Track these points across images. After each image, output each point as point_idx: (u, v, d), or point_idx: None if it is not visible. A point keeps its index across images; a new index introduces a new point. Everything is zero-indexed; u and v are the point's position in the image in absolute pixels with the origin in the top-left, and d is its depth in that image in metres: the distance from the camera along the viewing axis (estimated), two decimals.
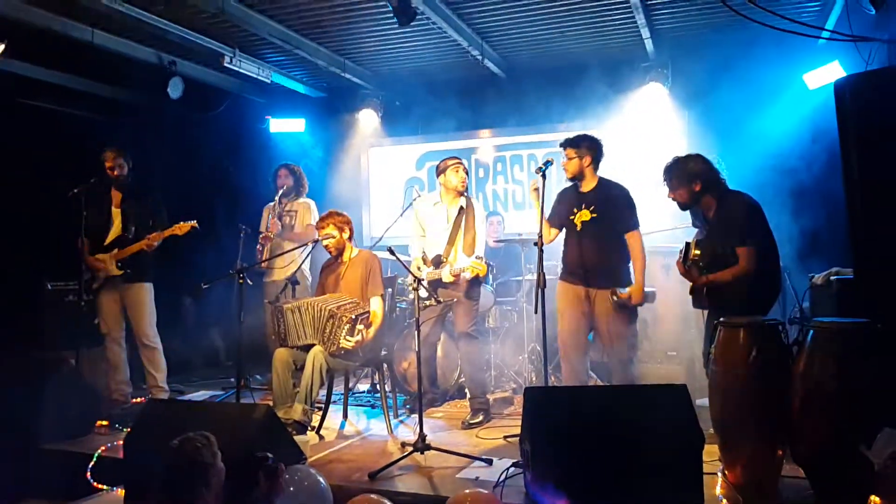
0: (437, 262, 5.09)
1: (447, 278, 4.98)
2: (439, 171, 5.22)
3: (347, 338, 4.50)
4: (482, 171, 7.88)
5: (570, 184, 4.79)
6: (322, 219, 5.00)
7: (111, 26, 5.91)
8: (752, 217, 3.88)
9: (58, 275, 6.13)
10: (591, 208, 4.61)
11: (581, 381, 4.60)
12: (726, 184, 4.07)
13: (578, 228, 4.67)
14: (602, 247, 4.54)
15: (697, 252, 3.97)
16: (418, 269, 5.11)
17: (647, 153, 6.49)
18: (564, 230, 4.78)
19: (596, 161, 4.67)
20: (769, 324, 3.53)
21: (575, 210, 4.69)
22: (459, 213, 5.17)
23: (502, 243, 6.64)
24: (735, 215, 3.89)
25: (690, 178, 4.01)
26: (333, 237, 4.91)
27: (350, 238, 5.02)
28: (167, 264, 5.62)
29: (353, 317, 4.52)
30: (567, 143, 4.68)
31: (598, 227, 4.57)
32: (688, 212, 4.29)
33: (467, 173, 5.25)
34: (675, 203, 4.17)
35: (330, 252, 5.00)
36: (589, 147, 4.64)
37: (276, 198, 6.14)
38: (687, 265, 3.98)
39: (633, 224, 4.54)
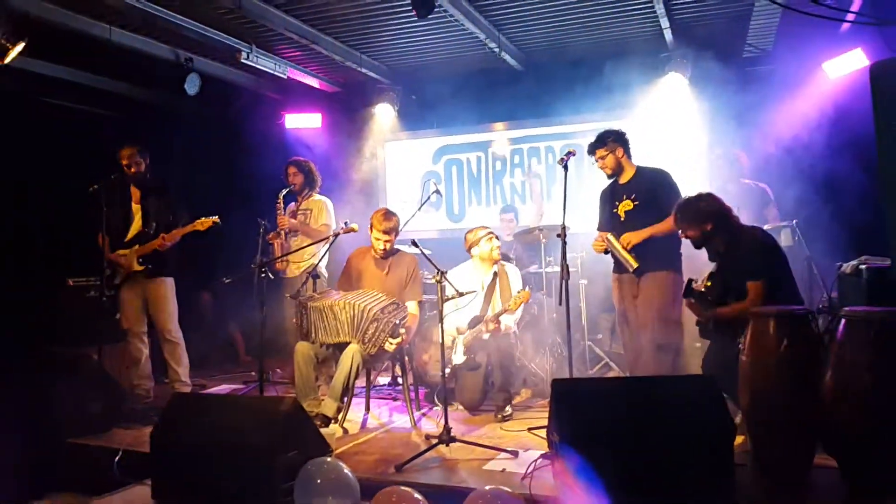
0: (475, 323, 5.11)
1: (488, 329, 5.01)
2: (470, 244, 5.30)
3: (391, 341, 4.52)
4: (499, 163, 7.84)
5: (607, 183, 4.86)
6: (385, 220, 4.95)
7: (129, 23, 5.91)
8: (764, 253, 3.93)
9: (79, 271, 6.15)
10: (633, 197, 4.66)
11: (639, 369, 4.60)
12: (738, 220, 4.13)
13: (623, 219, 4.72)
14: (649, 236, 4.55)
15: (709, 283, 4.07)
16: (453, 338, 5.12)
17: (667, 144, 6.44)
18: (613, 225, 4.79)
19: (628, 150, 4.74)
20: (799, 314, 3.48)
21: (616, 202, 4.76)
22: (493, 278, 5.25)
23: (517, 238, 6.60)
24: (747, 251, 3.95)
25: (702, 218, 4.07)
26: (392, 242, 4.98)
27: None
28: (186, 260, 5.61)
29: (397, 321, 4.55)
30: (595, 146, 4.76)
31: (640, 214, 4.61)
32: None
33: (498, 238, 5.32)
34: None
35: (379, 254, 5.01)
36: (616, 139, 4.71)
37: (281, 196, 6.07)
38: (691, 298, 4.06)
39: (673, 205, 4.47)
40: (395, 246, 5.16)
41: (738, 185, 5.93)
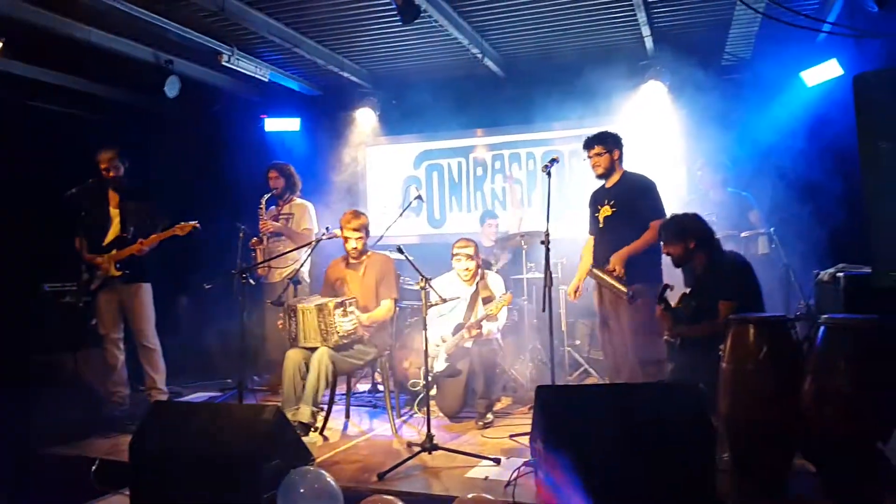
0: (458, 330, 5.12)
1: (471, 334, 5.00)
2: (452, 255, 5.32)
3: (342, 320, 4.49)
4: (480, 169, 7.85)
5: (598, 185, 4.87)
6: (353, 219, 4.96)
7: (109, 25, 5.83)
8: (740, 276, 4.02)
9: (55, 276, 6.06)
10: (612, 203, 4.67)
11: (622, 378, 4.61)
12: (720, 244, 4.22)
13: (601, 225, 4.74)
14: (622, 241, 4.55)
15: (681, 304, 4.16)
16: (436, 346, 5.10)
17: (647, 152, 6.48)
18: (594, 229, 4.85)
19: (622, 154, 4.77)
20: (779, 320, 3.53)
21: (599, 207, 4.77)
22: (476, 286, 5.27)
23: (498, 244, 6.61)
24: (725, 273, 4.03)
25: (687, 236, 4.15)
26: (363, 240, 4.95)
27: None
28: (164, 265, 5.54)
29: (340, 301, 4.53)
30: (594, 141, 4.75)
31: (617, 221, 4.63)
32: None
33: (476, 255, 5.29)
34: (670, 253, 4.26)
35: (352, 255, 4.99)
36: (615, 141, 4.75)
37: (264, 200, 6.04)
38: (663, 306, 4.10)
39: (655, 214, 4.55)
40: (377, 251, 5.15)
41: (721, 194, 6.00)
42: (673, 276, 4.44)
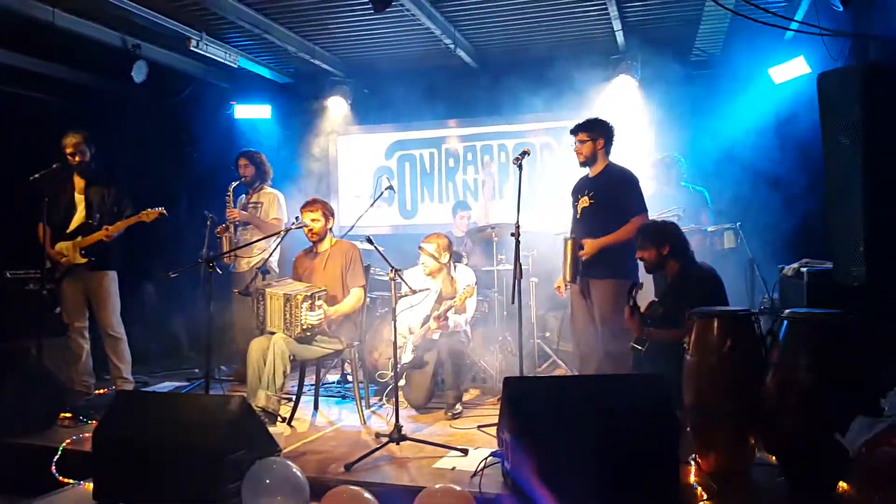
0: (426, 321, 5.11)
1: (439, 325, 4.99)
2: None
3: (309, 314, 4.46)
4: (452, 160, 7.84)
5: (580, 175, 4.81)
6: (310, 203, 4.92)
7: (74, 7, 5.71)
8: (710, 288, 4.05)
9: (18, 263, 5.94)
10: (591, 195, 4.61)
11: (590, 370, 4.62)
12: (693, 254, 4.25)
13: (579, 216, 4.69)
14: (595, 234, 4.53)
15: (649, 310, 4.21)
16: (404, 338, 5.08)
17: (616, 146, 6.52)
18: (573, 220, 4.79)
19: (608, 145, 4.68)
20: (743, 314, 3.58)
21: (579, 197, 4.71)
22: (446, 278, 5.25)
23: (469, 236, 6.62)
24: (695, 283, 4.06)
25: (662, 240, 4.17)
26: (321, 221, 4.86)
27: (330, 229, 4.97)
28: (129, 252, 5.46)
29: (309, 294, 4.49)
30: (580, 127, 4.67)
31: (594, 213, 4.58)
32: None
33: (446, 250, 5.22)
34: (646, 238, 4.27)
35: (311, 238, 4.92)
36: (603, 130, 4.65)
37: (231, 188, 5.97)
38: (630, 305, 4.11)
39: (635, 209, 4.50)
40: (343, 239, 5.12)
41: (675, 189, 6.05)
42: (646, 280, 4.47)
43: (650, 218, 4.60)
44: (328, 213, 4.92)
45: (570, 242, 4.59)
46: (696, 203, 6.00)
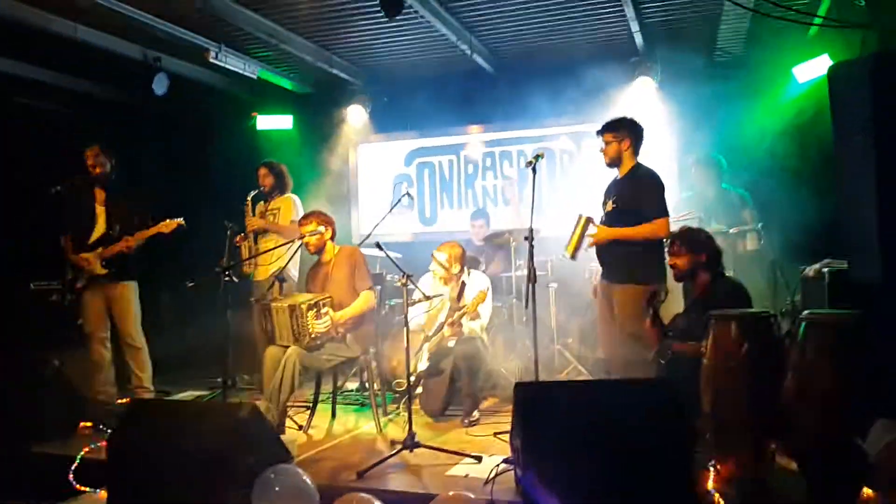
0: (440, 329, 5.10)
1: (453, 332, 4.99)
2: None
3: (316, 322, 4.45)
4: (471, 167, 7.83)
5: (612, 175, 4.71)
6: (305, 216, 4.96)
7: (95, 21, 5.82)
8: (737, 303, 3.90)
9: (41, 274, 6.05)
10: (614, 199, 4.53)
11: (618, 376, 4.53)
12: (724, 268, 4.15)
13: (603, 220, 4.60)
14: (624, 244, 4.42)
15: (672, 323, 4.10)
16: (419, 347, 5.09)
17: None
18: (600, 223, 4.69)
19: (636, 145, 4.55)
20: (761, 316, 3.51)
21: (605, 200, 4.63)
22: (461, 285, 5.25)
23: (487, 242, 6.59)
24: (722, 297, 3.91)
25: (700, 249, 4.06)
26: (318, 233, 4.86)
27: (332, 238, 4.97)
28: (149, 262, 5.53)
29: (313, 302, 4.49)
30: (606, 128, 4.56)
31: (616, 217, 4.48)
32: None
33: (457, 260, 5.23)
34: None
35: (310, 250, 4.96)
36: (629, 130, 4.53)
37: (249, 198, 6.03)
38: (652, 314, 4.04)
39: (656, 212, 4.36)
40: (347, 245, 5.15)
41: (716, 191, 5.96)
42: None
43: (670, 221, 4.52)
44: (324, 223, 4.92)
45: (583, 219, 4.50)
46: (736, 203, 5.86)
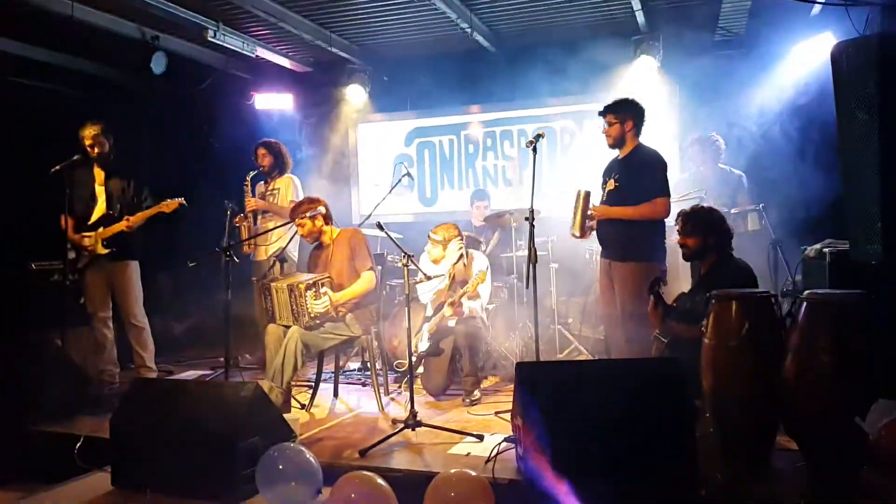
0: (438, 308, 5.10)
1: (454, 311, 5.00)
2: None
3: (314, 302, 4.47)
4: (472, 146, 7.81)
5: (612, 155, 4.73)
6: (292, 210, 4.94)
7: (92, 0, 5.78)
8: (741, 283, 3.86)
9: (42, 254, 6.05)
10: (616, 177, 4.55)
11: (617, 355, 4.58)
12: (732, 250, 4.10)
13: (604, 199, 4.62)
14: (624, 222, 4.45)
15: (675, 304, 4.07)
16: (420, 326, 5.14)
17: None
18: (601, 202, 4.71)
19: (638, 126, 4.57)
20: (762, 296, 3.51)
21: (606, 179, 4.65)
22: (460, 263, 5.25)
23: (487, 222, 6.59)
24: (726, 280, 3.86)
25: (709, 229, 4.02)
26: (307, 224, 4.85)
27: (327, 222, 4.94)
28: (150, 242, 5.53)
29: (311, 282, 4.50)
30: (608, 109, 4.57)
31: (618, 196, 4.50)
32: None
33: (453, 240, 5.21)
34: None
35: (308, 242, 4.98)
36: (632, 111, 4.55)
37: (249, 178, 6.02)
38: (654, 300, 4.02)
39: (655, 191, 4.39)
40: (347, 227, 5.14)
41: (713, 170, 5.95)
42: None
43: (672, 201, 4.52)
44: (312, 214, 4.86)
45: (582, 193, 4.54)
46: (734, 184, 5.87)
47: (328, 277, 4.65)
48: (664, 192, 4.43)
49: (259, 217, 6.01)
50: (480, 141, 7.77)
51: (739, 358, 3.41)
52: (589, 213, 4.54)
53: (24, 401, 4.56)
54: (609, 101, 4.64)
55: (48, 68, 7.03)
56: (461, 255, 5.25)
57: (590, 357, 5.92)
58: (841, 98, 2.98)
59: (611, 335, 4.73)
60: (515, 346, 5.82)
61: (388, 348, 5.45)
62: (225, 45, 6.47)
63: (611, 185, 4.57)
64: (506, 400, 4.82)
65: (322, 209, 4.89)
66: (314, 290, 4.52)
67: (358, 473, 3.17)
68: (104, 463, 3.79)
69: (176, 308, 7.19)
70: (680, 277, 5.06)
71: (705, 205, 4.33)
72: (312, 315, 4.48)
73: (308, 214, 4.83)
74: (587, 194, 4.54)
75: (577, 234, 4.58)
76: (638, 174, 4.47)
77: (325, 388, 5.13)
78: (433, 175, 7.97)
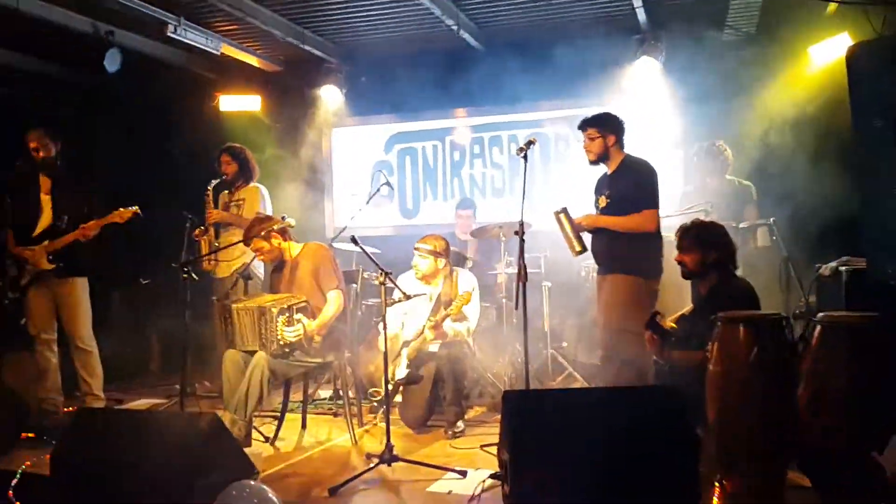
0: (420, 332, 5.11)
1: (436, 334, 4.99)
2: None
3: (286, 330, 4.43)
4: (458, 153, 7.84)
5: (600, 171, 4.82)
6: (246, 231, 4.92)
7: None
8: (743, 305, 3.85)
9: None
10: (607, 193, 4.65)
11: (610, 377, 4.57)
12: (735, 268, 4.10)
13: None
14: (615, 235, 4.53)
15: (674, 325, 4.05)
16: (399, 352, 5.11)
17: (639, 134, 6.47)
18: None
19: (620, 140, 4.69)
20: (772, 318, 3.52)
21: (598, 196, 4.76)
22: (444, 283, 5.25)
23: (474, 236, 6.59)
24: (726, 302, 3.82)
25: (708, 247, 4.01)
26: (265, 246, 4.82)
27: (285, 238, 4.92)
28: (101, 256, 5.48)
29: (286, 307, 4.47)
30: (589, 122, 4.68)
31: (611, 213, 4.60)
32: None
33: (439, 254, 5.22)
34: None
35: (270, 264, 4.98)
36: (614, 124, 4.67)
37: (210, 187, 6.00)
38: (654, 333, 4.00)
39: (643, 203, 4.49)
40: (312, 242, 5.13)
41: (719, 181, 5.99)
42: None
43: (675, 214, 4.56)
44: (267, 234, 4.83)
45: (561, 214, 4.61)
46: (741, 196, 5.92)
47: (304, 302, 4.61)
48: (652, 203, 4.54)
49: (221, 230, 5.98)
50: (467, 147, 7.80)
51: (747, 386, 3.40)
52: (578, 224, 4.60)
53: None
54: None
55: None
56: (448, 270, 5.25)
57: (585, 385, 5.91)
58: (856, 103, 3.01)
59: (604, 353, 4.74)
60: (504, 373, 5.80)
61: (362, 375, 5.42)
62: (186, 41, 6.46)
63: (602, 202, 4.68)
64: (492, 432, 4.79)
65: (276, 225, 4.85)
66: (287, 315, 4.47)
67: None
68: (44, 501, 3.73)
69: (128, 330, 7.11)
70: (683, 294, 5.07)
71: (707, 219, 4.35)
72: (282, 343, 4.44)
73: (263, 234, 4.79)
74: (563, 210, 4.62)
75: (578, 248, 4.62)
76: (629, 185, 4.58)
77: (293, 419, 5.08)
78: (415, 184, 7.98)
